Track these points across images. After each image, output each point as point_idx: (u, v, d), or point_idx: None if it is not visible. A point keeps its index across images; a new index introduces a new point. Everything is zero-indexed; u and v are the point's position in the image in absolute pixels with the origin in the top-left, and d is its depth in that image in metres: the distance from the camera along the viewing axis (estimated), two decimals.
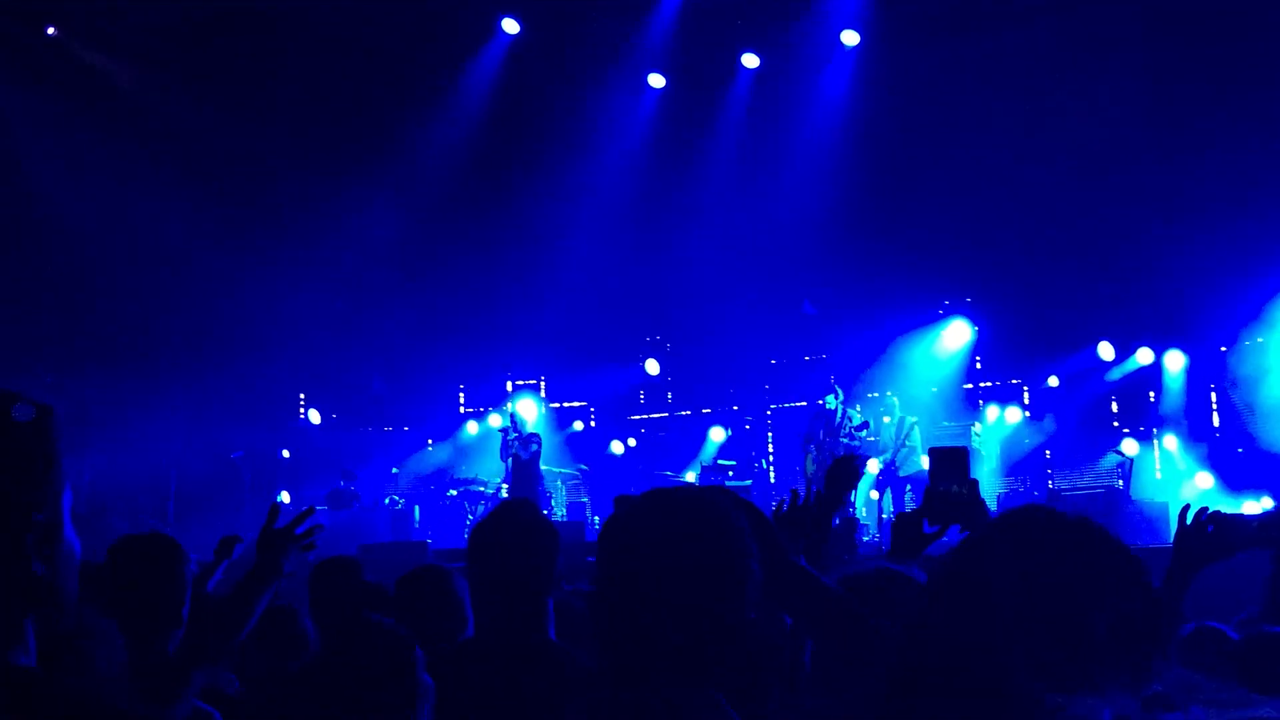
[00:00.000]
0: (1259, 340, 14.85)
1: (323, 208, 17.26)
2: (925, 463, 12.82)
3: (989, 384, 17.34)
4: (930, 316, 17.44)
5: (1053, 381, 16.47)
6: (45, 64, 16.32)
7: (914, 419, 14.98)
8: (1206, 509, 3.34)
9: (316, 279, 17.74)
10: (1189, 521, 3.30)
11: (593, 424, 19.81)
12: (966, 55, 15.10)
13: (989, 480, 14.98)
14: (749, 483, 15.95)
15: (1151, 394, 15.99)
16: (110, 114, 16.50)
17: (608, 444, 19.26)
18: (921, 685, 1.69)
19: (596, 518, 16.32)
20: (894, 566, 2.72)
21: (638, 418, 19.77)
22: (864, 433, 14.40)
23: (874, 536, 13.98)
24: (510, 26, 16.91)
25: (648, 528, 1.97)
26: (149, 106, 16.78)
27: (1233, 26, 13.81)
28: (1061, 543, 1.68)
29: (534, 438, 16.23)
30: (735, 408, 18.98)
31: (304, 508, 3.96)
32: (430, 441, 19.91)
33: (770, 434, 18.75)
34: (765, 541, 2.13)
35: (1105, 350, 16.14)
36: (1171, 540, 3.31)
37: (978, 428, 15.99)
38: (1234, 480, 14.41)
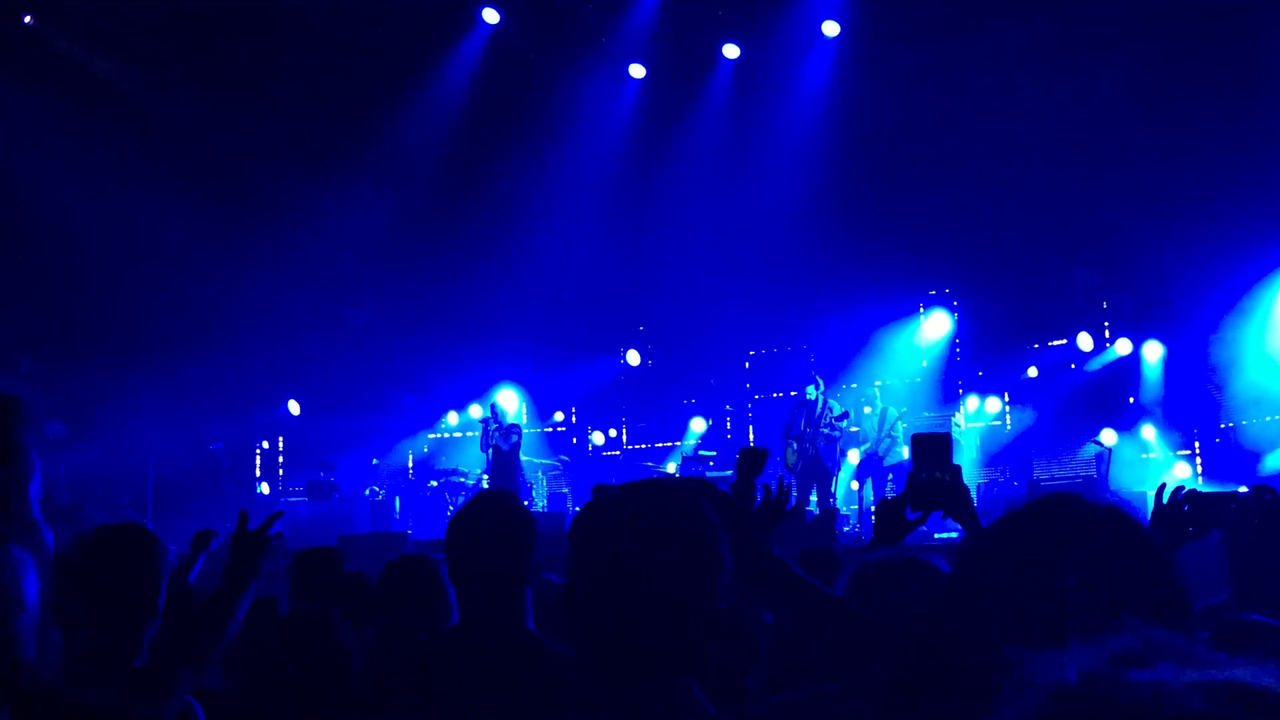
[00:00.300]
0: (1237, 331, 14.93)
1: (303, 199, 17.20)
2: (908, 454, 12.86)
3: (969, 374, 17.38)
4: (911, 307, 17.49)
5: (1032, 372, 16.53)
6: (23, 54, 16.19)
7: (899, 412, 15.02)
8: (1183, 488, 3.37)
9: (297, 270, 17.68)
10: (1165, 500, 3.32)
11: (574, 415, 19.81)
12: (947, 47, 15.12)
13: (969, 470, 15.01)
14: (730, 473, 15.96)
15: (1130, 385, 16.06)
16: (90, 106, 16.38)
17: (588, 435, 19.26)
18: (925, 683, 1.67)
19: (577, 508, 16.29)
20: (919, 555, 2.70)
21: (618, 409, 19.77)
22: (844, 423, 14.43)
23: (854, 527, 14.02)
24: (491, 16, 16.86)
25: (618, 518, 1.96)
26: (129, 99, 16.68)
27: (1213, 18, 13.86)
28: (1084, 534, 1.63)
29: (514, 429, 16.23)
30: (714, 400, 19.00)
31: (284, 499, 3.98)
32: (411, 433, 19.87)
33: (751, 425, 18.78)
34: (740, 532, 2.12)
35: (1084, 341, 16.21)
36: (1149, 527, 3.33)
37: (959, 418, 16.04)
38: (1212, 470, 14.51)
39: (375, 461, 18.82)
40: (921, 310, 17.56)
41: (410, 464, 19.24)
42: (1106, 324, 16.35)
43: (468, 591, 3.13)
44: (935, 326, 17.45)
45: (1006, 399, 16.73)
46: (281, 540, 3.65)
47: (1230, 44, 13.98)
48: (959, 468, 3.17)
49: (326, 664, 3.17)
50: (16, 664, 1.28)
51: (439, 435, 19.84)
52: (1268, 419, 14.52)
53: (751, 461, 2.90)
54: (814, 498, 14.18)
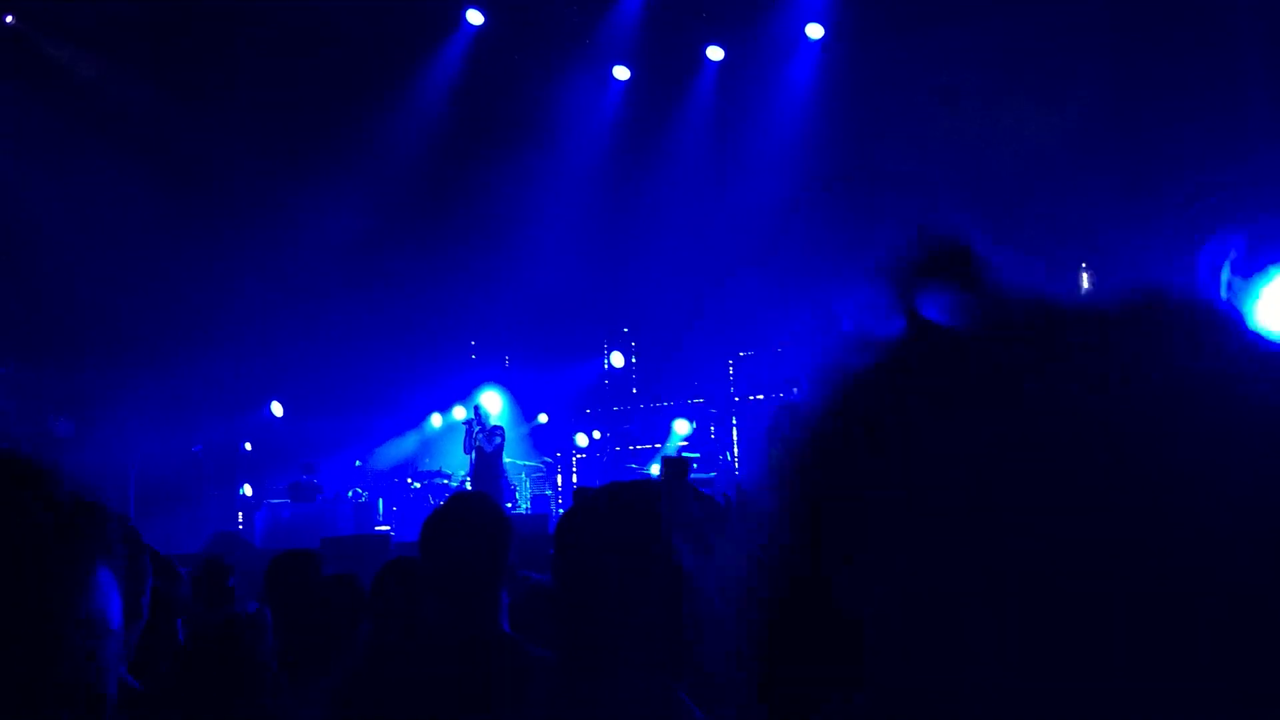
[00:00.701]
0: None
1: (285, 199, 17.15)
2: None
3: None
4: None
5: None
6: (4, 53, 16.13)
7: None
8: None
9: (279, 271, 17.63)
10: None
11: (558, 417, 19.80)
12: (930, 48, 15.17)
13: None
14: (713, 475, 15.98)
15: None
16: (71, 106, 16.32)
17: (572, 436, 19.25)
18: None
19: (561, 510, 16.31)
20: None
21: (602, 410, 19.77)
22: None
23: None
24: (475, 18, 16.85)
25: (602, 522, 1.97)
26: (111, 99, 16.61)
27: (1199, 18, 13.94)
28: None
29: (498, 430, 16.21)
30: (700, 400, 19.00)
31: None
32: (394, 434, 19.84)
33: (735, 427, 18.78)
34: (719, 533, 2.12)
35: None
36: None
37: None
38: None
39: (358, 463, 18.78)
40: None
41: (394, 464, 19.20)
42: None
43: (442, 593, 3.14)
44: None
45: None
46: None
47: (1219, 47, 14.06)
48: None
49: (237, 675, 3.20)
50: (104, 698, 1.26)
51: (422, 436, 19.81)
52: None
53: (673, 470, 2.93)
54: None
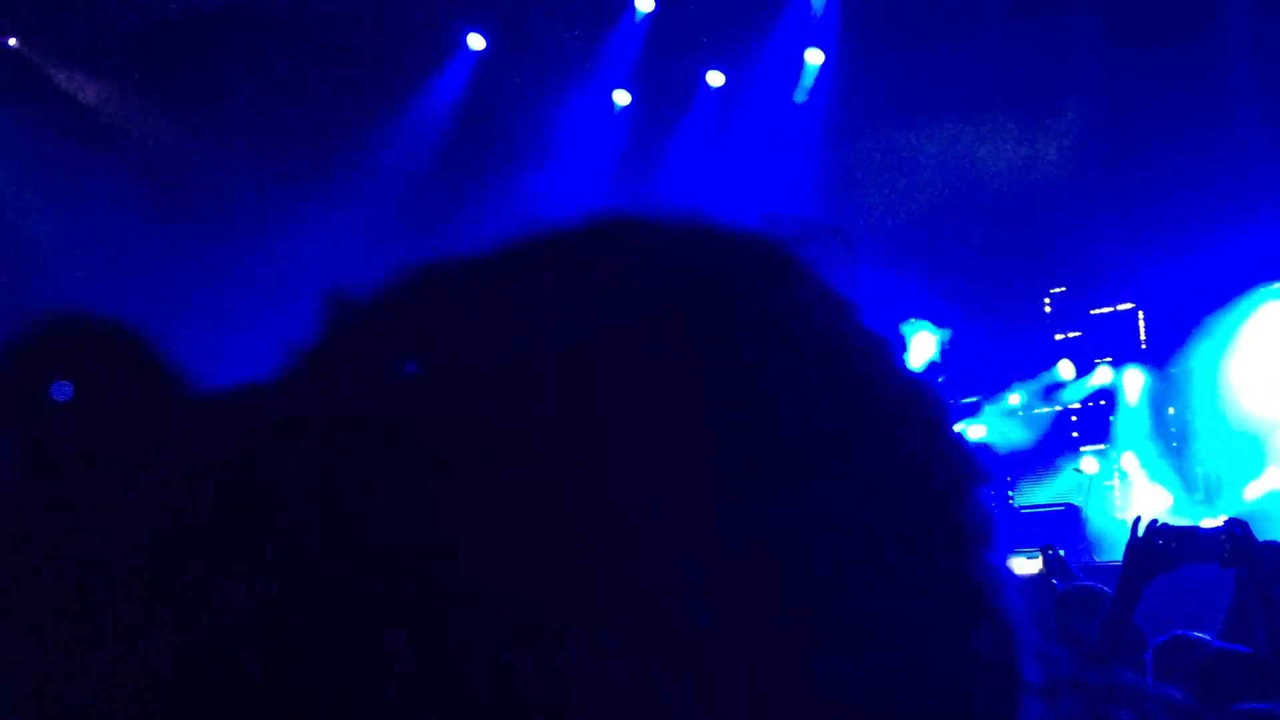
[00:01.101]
0: (1216, 357, 14.99)
1: (283, 224, 17.13)
2: None
3: (952, 399, 17.33)
4: (894, 332, 17.45)
5: (1014, 399, 16.52)
6: (5, 74, 16.18)
7: None
8: (1156, 521, 3.37)
9: (275, 296, 17.58)
10: (1140, 534, 3.33)
11: None
12: (928, 67, 15.24)
13: None
14: None
15: (1111, 412, 16.06)
16: (72, 125, 16.35)
17: None
18: None
19: None
20: None
21: None
22: None
23: None
24: (476, 42, 16.88)
25: None
26: (111, 119, 16.64)
27: (1191, 38, 14.00)
28: None
29: None
30: None
31: None
32: None
33: None
34: None
35: (1065, 368, 16.22)
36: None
37: None
38: (1191, 498, 14.51)
39: None
40: (906, 335, 17.55)
41: None
42: (1088, 349, 16.36)
43: None
44: (920, 349, 17.43)
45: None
46: None
47: (1213, 74, 14.10)
48: None
49: None
50: None
51: None
52: (1241, 451, 14.56)
53: None
54: None
